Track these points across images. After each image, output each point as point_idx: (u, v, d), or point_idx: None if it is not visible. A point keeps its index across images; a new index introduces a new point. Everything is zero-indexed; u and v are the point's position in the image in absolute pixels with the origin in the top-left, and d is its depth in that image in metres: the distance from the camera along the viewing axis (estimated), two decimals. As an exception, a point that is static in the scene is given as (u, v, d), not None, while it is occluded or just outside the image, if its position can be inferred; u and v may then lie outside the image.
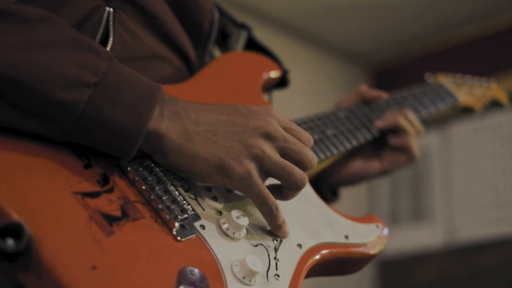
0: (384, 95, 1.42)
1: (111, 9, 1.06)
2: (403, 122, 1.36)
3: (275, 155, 0.95)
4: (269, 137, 0.95)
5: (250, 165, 0.93)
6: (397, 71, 3.91)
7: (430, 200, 3.66)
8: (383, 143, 1.38)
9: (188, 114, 0.94)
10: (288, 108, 3.16)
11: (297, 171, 0.97)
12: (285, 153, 0.97)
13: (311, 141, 1.01)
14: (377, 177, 1.42)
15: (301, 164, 0.98)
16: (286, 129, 0.98)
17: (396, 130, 1.37)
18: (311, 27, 3.71)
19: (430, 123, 3.63)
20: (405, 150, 1.37)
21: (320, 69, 3.85)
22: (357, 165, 1.39)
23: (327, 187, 1.41)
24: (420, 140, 3.66)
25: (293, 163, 0.97)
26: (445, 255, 3.51)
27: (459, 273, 3.44)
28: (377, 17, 3.63)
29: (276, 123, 0.97)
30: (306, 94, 3.71)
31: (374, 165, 1.39)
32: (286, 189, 0.99)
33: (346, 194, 3.61)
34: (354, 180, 1.41)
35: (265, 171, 0.95)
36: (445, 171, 3.63)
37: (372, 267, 3.73)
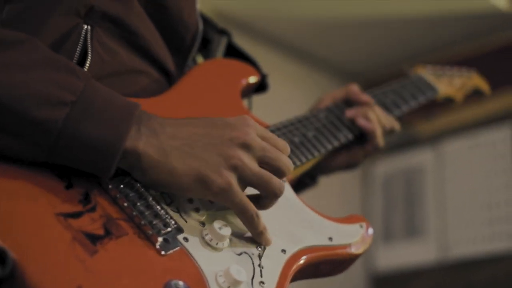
0: (371, 101, 1.42)
1: (89, 27, 1.07)
2: (371, 116, 1.38)
3: (253, 165, 0.97)
4: (246, 147, 0.97)
5: (229, 176, 0.95)
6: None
7: (423, 216, 3.66)
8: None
9: (165, 129, 0.95)
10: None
11: (275, 179, 0.98)
12: (263, 161, 0.98)
13: (288, 149, 1.02)
14: (343, 170, 1.44)
15: (279, 171, 0.99)
16: (262, 137, 0.99)
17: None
18: (307, 46, 3.74)
19: (423, 140, 3.67)
20: (370, 137, 1.38)
21: (315, 85, 3.87)
22: (340, 159, 1.41)
23: (307, 173, 1.42)
24: (413, 157, 3.65)
25: (271, 171, 0.98)
26: (438, 271, 3.50)
27: (453, 289, 3.45)
28: (372, 36, 3.65)
29: (253, 132, 0.98)
30: (301, 110, 3.72)
31: (342, 158, 1.41)
32: (264, 198, 1.00)
33: (340, 210, 3.63)
34: (331, 171, 1.43)
35: (244, 180, 0.96)
36: (439, 187, 3.64)
37: (366, 283, 3.73)
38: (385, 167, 3.85)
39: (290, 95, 3.69)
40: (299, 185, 1.39)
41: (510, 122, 3.44)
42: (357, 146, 1.40)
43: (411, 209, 3.74)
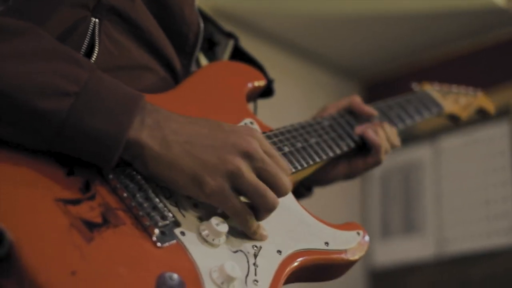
0: (374, 113, 1.43)
1: (97, 20, 1.07)
2: (380, 132, 1.38)
3: (250, 175, 0.97)
4: (247, 155, 0.97)
5: (223, 181, 0.95)
6: (389, 85, 3.94)
7: (421, 212, 3.68)
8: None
9: (169, 124, 0.96)
10: (282, 120, 3.19)
11: (270, 193, 0.98)
12: (261, 174, 0.98)
13: (289, 171, 1.02)
14: (341, 180, 1.43)
15: (276, 187, 0.99)
16: (266, 153, 1.00)
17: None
18: (306, 42, 3.76)
19: (421, 136, 3.67)
20: (375, 151, 1.38)
21: (314, 82, 3.89)
22: (339, 169, 1.42)
23: (302, 184, 1.42)
24: (411, 153, 3.62)
25: (267, 185, 0.98)
26: (436, 267, 3.51)
27: (450, 285, 3.44)
28: (370, 32, 3.68)
29: (257, 144, 0.98)
30: (300, 107, 3.75)
31: (342, 168, 1.41)
32: (257, 210, 1.00)
33: (338, 206, 3.65)
34: (328, 182, 1.44)
35: (239, 188, 0.97)
36: (437, 183, 3.65)
37: (364, 278, 3.74)
38: (383, 163, 3.85)
39: (290, 92, 3.70)
40: (295, 194, 1.40)
41: (508, 119, 3.46)
42: (359, 157, 1.40)
43: (409, 204, 3.75)
